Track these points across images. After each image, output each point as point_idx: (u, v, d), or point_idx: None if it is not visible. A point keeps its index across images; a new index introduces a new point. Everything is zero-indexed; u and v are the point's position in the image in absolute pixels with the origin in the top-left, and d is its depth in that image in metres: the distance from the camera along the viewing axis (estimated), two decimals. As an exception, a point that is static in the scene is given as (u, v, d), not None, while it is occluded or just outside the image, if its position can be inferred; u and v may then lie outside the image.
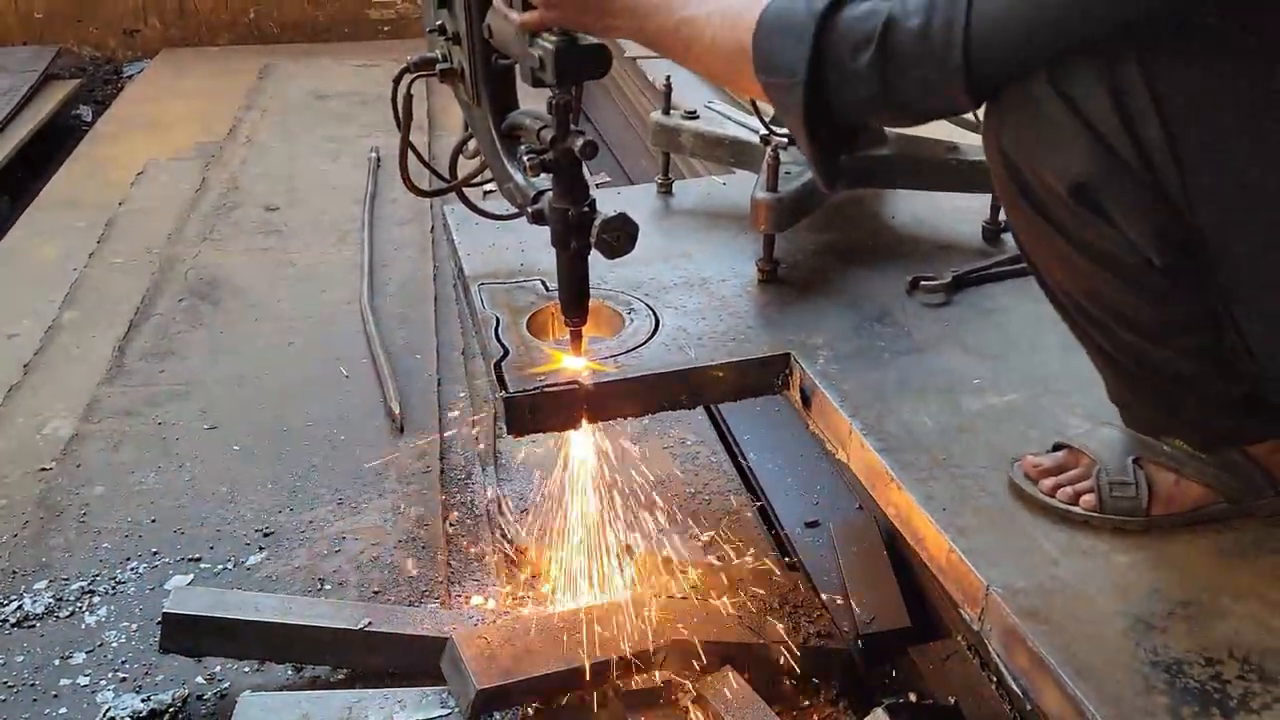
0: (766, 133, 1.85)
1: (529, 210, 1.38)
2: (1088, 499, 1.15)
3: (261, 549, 1.76)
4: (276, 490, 1.91)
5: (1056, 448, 1.23)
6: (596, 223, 1.29)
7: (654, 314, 1.66)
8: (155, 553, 1.75)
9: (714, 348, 1.55)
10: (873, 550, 1.71)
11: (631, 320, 1.65)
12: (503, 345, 1.56)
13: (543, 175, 1.31)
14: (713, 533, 1.83)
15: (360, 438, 2.06)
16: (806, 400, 1.49)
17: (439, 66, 1.50)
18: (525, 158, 1.29)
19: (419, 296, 2.62)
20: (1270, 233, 0.94)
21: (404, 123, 1.59)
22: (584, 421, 1.50)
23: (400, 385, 2.20)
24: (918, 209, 1.99)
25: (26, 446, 2.04)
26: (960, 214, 1.93)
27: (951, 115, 1.15)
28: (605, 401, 1.49)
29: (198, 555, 1.74)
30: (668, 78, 2.06)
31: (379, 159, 3.44)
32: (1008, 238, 1.85)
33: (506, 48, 1.34)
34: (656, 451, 2.06)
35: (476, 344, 2.21)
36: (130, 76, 4.79)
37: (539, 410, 1.46)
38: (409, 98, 1.57)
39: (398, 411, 2.10)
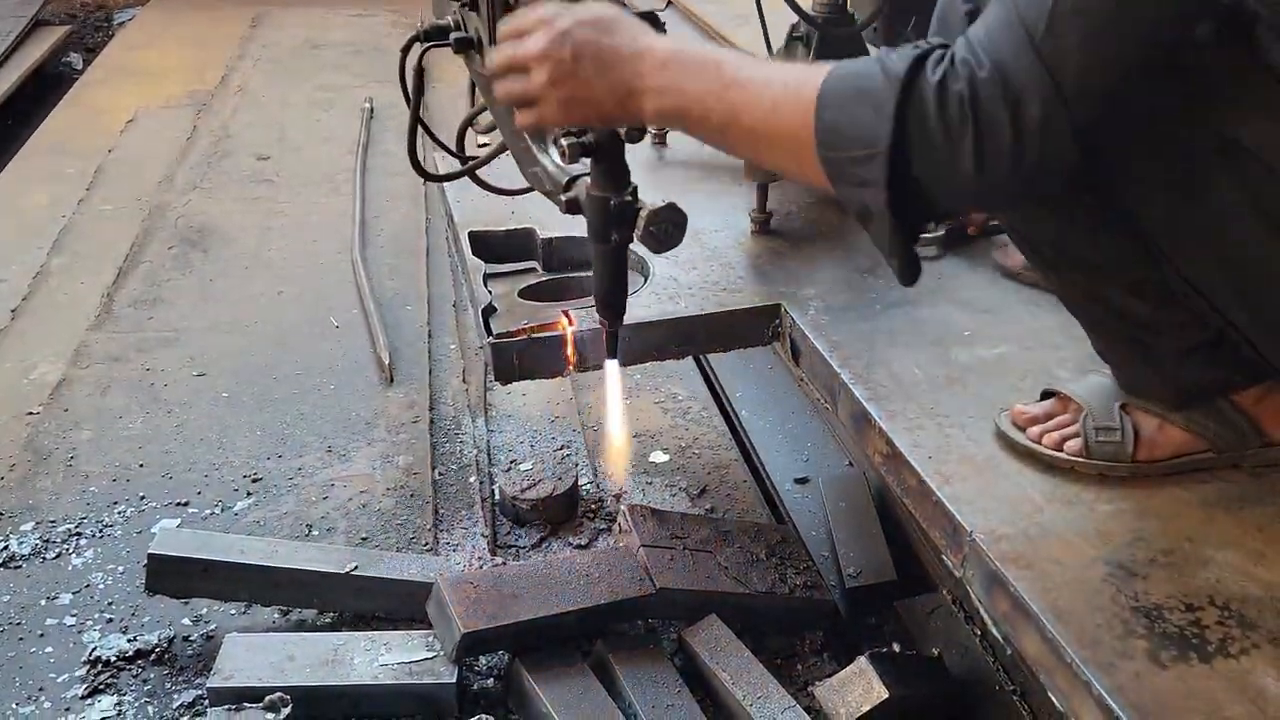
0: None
1: (561, 199, 1.23)
2: (1073, 444, 1.15)
3: (249, 495, 1.76)
4: (265, 437, 1.91)
5: (1045, 396, 1.22)
6: (643, 214, 1.15)
7: (645, 263, 1.65)
8: (143, 497, 1.75)
9: (704, 298, 1.54)
10: (861, 506, 1.72)
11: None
12: (490, 292, 1.55)
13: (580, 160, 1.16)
14: (703, 485, 1.83)
15: (350, 387, 2.06)
16: (796, 350, 1.49)
17: (453, 35, 1.36)
18: (562, 140, 1.14)
19: (410, 248, 2.61)
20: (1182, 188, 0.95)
21: (414, 99, 1.46)
22: (571, 370, 1.50)
23: (390, 336, 2.19)
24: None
25: (14, 391, 2.03)
26: (957, 168, 1.91)
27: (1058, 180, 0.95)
28: (593, 349, 1.48)
29: (185, 500, 1.74)
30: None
31: (372, 110, 3.40)
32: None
33: None
34: (648, 405, 2.06)
35: (466, 296, 2.20)
36: (121, 23, 4.71)
37: (525, 357, 1.46)
38: (420, 71, 1.45)
39: (388, 362, 2.09)
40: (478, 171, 1.55)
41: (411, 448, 1.88)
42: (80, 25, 4.74)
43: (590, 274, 1.69)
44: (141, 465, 1.82)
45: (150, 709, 1.37)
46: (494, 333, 1.45)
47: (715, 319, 1.51)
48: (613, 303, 1.27)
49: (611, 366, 1.32)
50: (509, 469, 1.83)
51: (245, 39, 4.19)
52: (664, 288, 1.57)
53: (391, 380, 2.07)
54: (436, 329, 2.27)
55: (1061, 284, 1.15)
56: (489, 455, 1.90)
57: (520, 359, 1.45)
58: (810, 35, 1.83)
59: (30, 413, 1.96)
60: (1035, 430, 1.17)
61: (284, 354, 2.16)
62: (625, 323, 1.49)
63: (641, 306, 1.52)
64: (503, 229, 1.74)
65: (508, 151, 1.47)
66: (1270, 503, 1.11)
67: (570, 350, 1.46)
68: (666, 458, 1.91)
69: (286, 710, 1.27)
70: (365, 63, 3.93)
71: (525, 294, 1.62)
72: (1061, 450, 1.15)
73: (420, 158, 1.52)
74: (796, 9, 1.77)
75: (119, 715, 1.36)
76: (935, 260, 1.63)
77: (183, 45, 4.17)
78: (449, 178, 1.60)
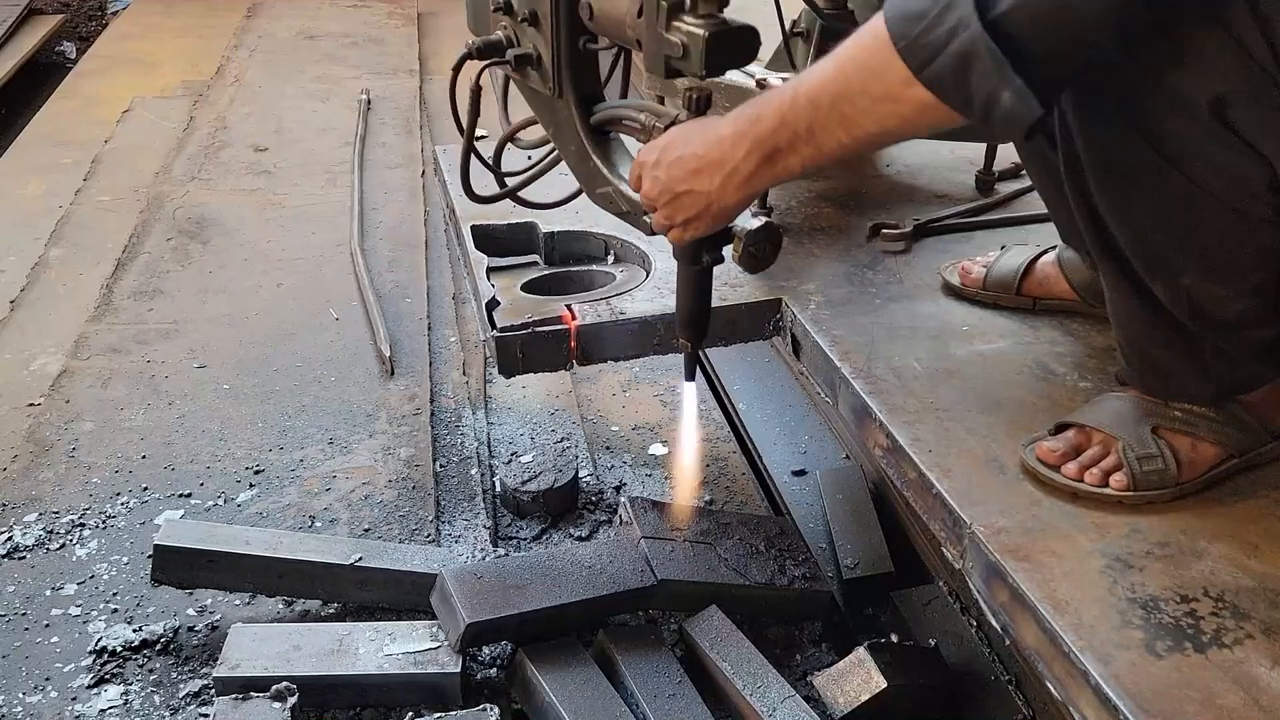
0: (761, 78, 1.83)
1: (645, 220, 1.21)
2: (1118, 478, 1.12)
3: (252, 486, 1.77)
4: (266, 429, 1.91)
5: (1060, 428, 1.19)
6: (740, 233, 1.13)
7: (646, 258, 1.66)
8: (145, 488, 1.75)
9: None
10: (858, 498, 1.73)
11: (625, 265, 1.65)
12: (493, 286, 1.56)
13: None
14: (702, 477, 1.85)
15: (350, 379, 2.07)
16: (797, 345, 1.50)
17: (512, 53, 1.29)
18: None
19: (409, 240, 2.61)
20: None
21: (469, 122, 1.38)
22: (574, 363, 1.51)
23: (390, 328, 2.19)
24: (914, 158, 1.99)
25: (14, 382, 2.04)
26: (957, 163, 1.93)
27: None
28: (596, 343, 1.49)
29: (188, 491, 1.75)
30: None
31: (369, 101, 3.40)
32: (1001, 187, 1.86)
33: (617, 33, 1.16)
34: (647, 398, 2.07)
35: (468, 288, 2.21)
36: (115, 12, 4.69)
37: (529, 351, 1.47)
38: (477, 91, 1.34)
39: (388, 354, 2.10)
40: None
41: (413, 440, 1.89)
42: (73, 14, 4.72)
43: (590, 268, 1.72)
44: (144, 457, 1.83)
45: (156, 698, 1.38)
46: (498, 326, 1.46)
47: (717, 313, 1.51)
48: (697, 324, 1.26)
49: (689, 389, 1.33)
50: (510, 461, 1.84)
51: (241, 29, 4.18)
52: (666, 282, 1.58)
53: (392, 372, 2.08)
54: (436, 321, 2.28)
55: (1169, 290, 1.08)
56: (489, 447, 1.92)
57: (524, 353, 1.46)
58: (811, 29, 1.84)
59: (31, 404, 1.97)
60: (1072, 468, 1.14)
61: (284, 346, 2.17)
62: (627, 317, 1.51)
63: (644, 301, 1.53)
64: (505, 223, 1.75)
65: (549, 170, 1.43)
66: (1263, 495, 1.13)
67: (573, 344, 1.47)
68: (666, 450, 1.93)
69: (293, 700, 1.28)
70: (361, 54, 3.92)
71: (527, 288, 1.64)
72: (1107, 486, 1.12)
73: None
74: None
75: (125, 705, 1.37)
76: (904, 254, 1.66)
77: (177, 35, 4.16)
78: (498, 198, 1.53)
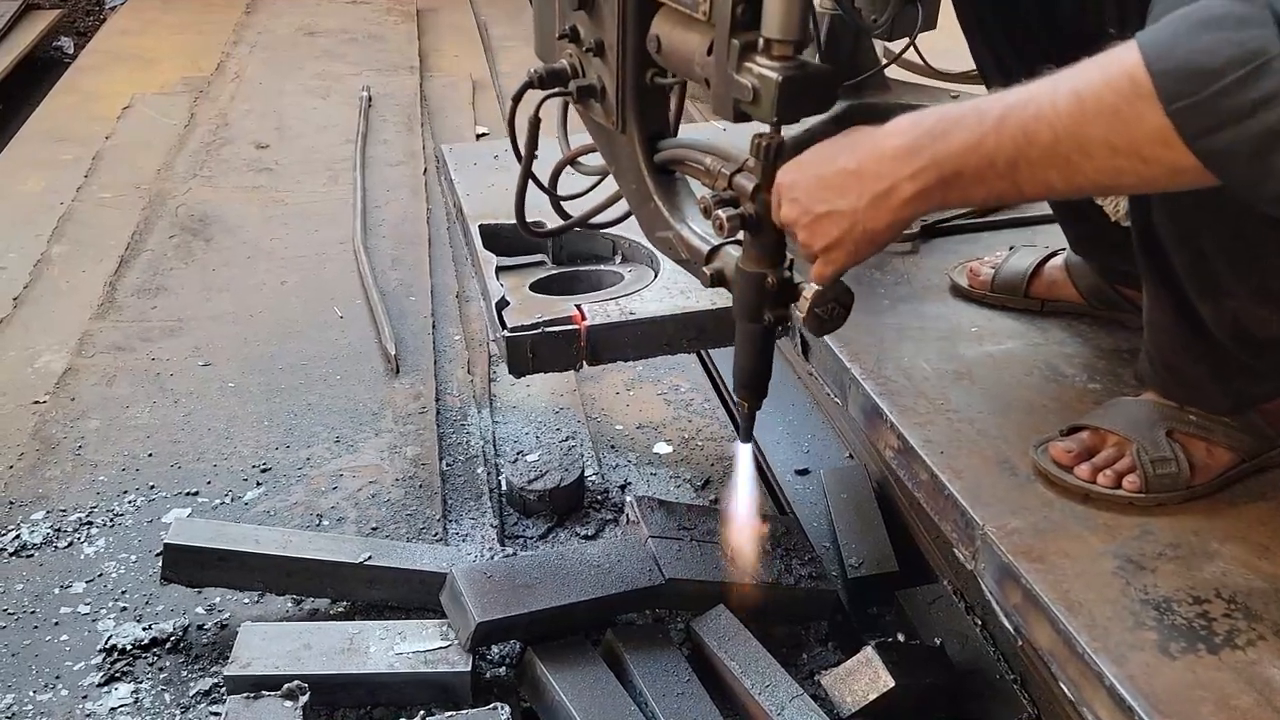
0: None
1: (704, 270, 1.13)
2: (1131, 480, 1.12)
3: (259, 484, 1.77)
4: (273, 427, 1.91)
5: (1073, 429, 1.19)
6: (808, 294, 1.03)
7: (654, 258, 1.66)
8: (152, 486, 1.75)
9: (715, 292, 1.53)
10: (862, 498, 1.74)
11: (633, 264, 1.65)
12: (502, 285, 1.56)
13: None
14: (707, 477, 1.85)
15: (356, 377, 2.07)
16: (805, 346, 1.51)
17: (575, 84, 1.22)
18: (719, 211, 1.04)
19: (412, 238, 2.61)
20: None
21: (526, 154, 1.32)
22: (583, 363, 1.51)
23: (395, 326, 2.19)
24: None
25: (19, 379, 2.04)
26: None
27: None
28: (605, 343, 1.50)
29: (195, 490, 1.75)
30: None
31: (370, 98, 3.39)
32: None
33: (686, 70, 1.07)
34: (651, 397, 2.08)
35: (475, 286, 2.21)
36: (113, 7, 4.67)
37: (539, 351, 1.47)
38: (536, 123, 1.28)
39: (393, 352, 2.10)
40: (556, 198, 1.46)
41: (419, 438, 1.89)
42: (71, 9, 4.70)
43: (598, 268, 1.72)
44: (150, 455, 1.83)
45: (167, 696, 1.38)
46: (509, 326, 1.46)
47: (726, 313, 1.52)
48: (756, 384, 1.16)
49: (745, 450, 1.26)
50: (515, 460, 1.85)
51: (240, 25, 4.16)
52: (674, 282, 1.59)
53: (397, 371, 2.08)
54: (440, 320, 2.28)
55: (1214, 306, 1.06)
56: (495, 446, 1.92)
57: (534, 352, 1.46)
58: (818, 28, 1.84)
59: (37, 401, 1.96)
60: (1084, 469, 1.14)
61: (289, 344, 2.17)
62: (636, 318, 1.51)
63: (653, 301, 1.54)
64: (512, 222, 1.75)
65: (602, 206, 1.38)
66: (1273, 498, 1.14)
67: (583, 344, 1.48)
68: (670, 449, 1.93)
69: (305, 698, 1.29)
70: (361, 51, 3.91)
71: (535, 287, 1.64)
72: (1119, 488, 1.12)
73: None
74: None
75: (136, 703, 1.37)
76: (912, 255, 1.66)
77: (176, 31, 4.14)
78: (556, 233, 1.47)
